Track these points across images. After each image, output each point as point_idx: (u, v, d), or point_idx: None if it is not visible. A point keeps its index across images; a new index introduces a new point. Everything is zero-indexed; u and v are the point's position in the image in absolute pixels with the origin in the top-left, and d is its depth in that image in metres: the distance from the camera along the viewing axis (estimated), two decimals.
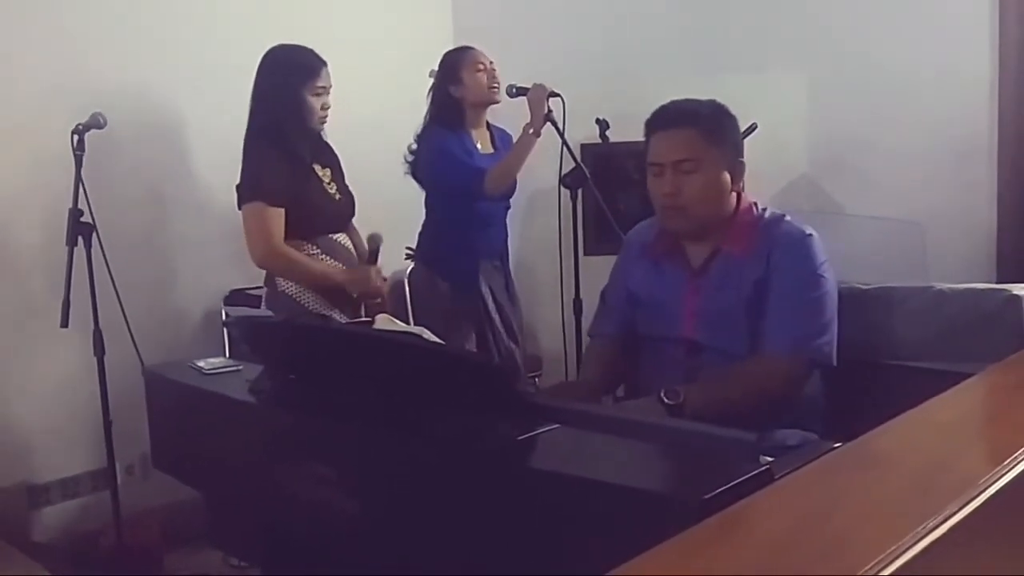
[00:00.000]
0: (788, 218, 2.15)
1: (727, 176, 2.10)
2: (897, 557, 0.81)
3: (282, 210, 2.83)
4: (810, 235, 2.10)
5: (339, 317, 2.90)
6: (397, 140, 3.38)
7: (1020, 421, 1.27)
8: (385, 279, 2.98)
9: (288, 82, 2.85)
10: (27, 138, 3.12)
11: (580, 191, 3.29)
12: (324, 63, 2.91)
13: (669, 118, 2.11)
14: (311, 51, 2.91)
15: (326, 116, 2.93)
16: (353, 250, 3.01)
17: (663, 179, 2.09)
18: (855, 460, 1.14)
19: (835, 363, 2.06)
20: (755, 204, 2.17)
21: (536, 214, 3.81)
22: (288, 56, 2.88)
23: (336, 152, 3.08)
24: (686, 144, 2.07)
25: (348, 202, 3.02)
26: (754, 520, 0.97)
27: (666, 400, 1.91)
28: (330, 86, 2.92)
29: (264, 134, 2.86)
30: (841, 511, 0.96)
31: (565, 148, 3.19)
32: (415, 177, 3.36)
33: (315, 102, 2.87)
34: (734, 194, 2.14)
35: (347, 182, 3.07)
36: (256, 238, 2.85)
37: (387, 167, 3.33)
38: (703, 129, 2.07)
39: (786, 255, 2.07)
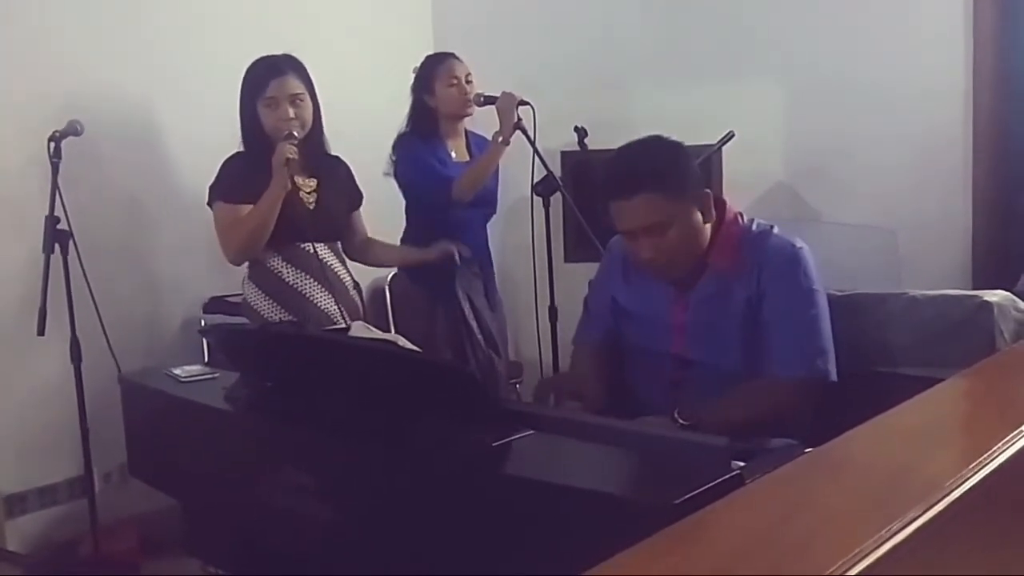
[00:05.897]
0: (776, 230, 2.12)
1: (699, 216, 2.06)
2: (860, 560, 0.82)
3: (246, 206, 2.79)
4: (800, 248, 2.07)
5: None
6: (379, 143, 3.37)
7: (987, 426, 1.29)
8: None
9: (245, 96, 2.87)
10: (2, 145, 3.10)
11: (557, 198, 3.30)
12: (277, 74, 2.80)
13: (624, 185, 2.01)
14: (268, 62, 2.83)
15: (293, 125, 2.78)
16: (327, 261, 2.91)
17: (638, 243, 2.04)
18: (821, 465, 1.15)
19: (835, 378, 2.05)
20: (740, 215, 2.14)
21: (517, 222, 3.82)
22: (248, 70, 2.87)
23: (342, 165, 3.05)
24: (650, 210, 1.99)
25: (330, 214, 2.93)
26: (719, 524, 0.98)
27: (680, 420, 1.92)
28: (287, 95, 2.79)
29: (243, 144, 2.89)
30: (806, 515, 0.97)
31: (536, 156, 3.21)
32: (396, 180, 3.36)
33: (267, 114, 2.81)
34: (714, 212, 2.09)
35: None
36: (222, 234, 2.86)
37: (370, 171, 3.31)
38: (662, 189, 1.99)
39: (779, 274, 2.04)
